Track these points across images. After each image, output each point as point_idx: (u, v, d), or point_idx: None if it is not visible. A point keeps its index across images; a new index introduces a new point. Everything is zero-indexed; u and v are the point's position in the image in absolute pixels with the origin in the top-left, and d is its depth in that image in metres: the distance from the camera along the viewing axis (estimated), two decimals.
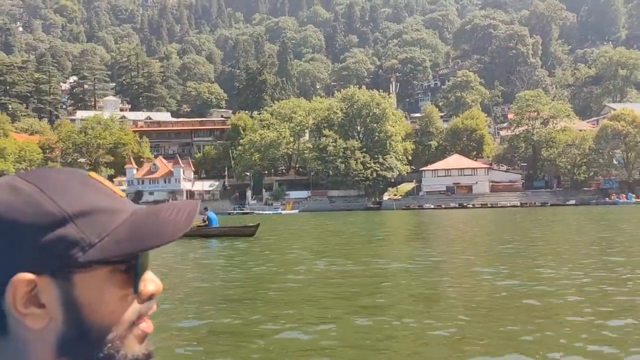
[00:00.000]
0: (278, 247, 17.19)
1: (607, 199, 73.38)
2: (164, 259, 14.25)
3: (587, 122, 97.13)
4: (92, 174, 0.75)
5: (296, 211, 75.25)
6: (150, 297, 0.74)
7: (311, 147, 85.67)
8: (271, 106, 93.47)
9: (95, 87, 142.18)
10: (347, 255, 13.83)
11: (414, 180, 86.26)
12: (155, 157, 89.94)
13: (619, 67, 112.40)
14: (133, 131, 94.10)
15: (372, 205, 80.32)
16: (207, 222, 21.80)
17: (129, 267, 0.70)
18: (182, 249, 16.52)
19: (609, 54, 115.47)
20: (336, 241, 20.03)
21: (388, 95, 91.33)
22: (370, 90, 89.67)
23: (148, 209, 0.72)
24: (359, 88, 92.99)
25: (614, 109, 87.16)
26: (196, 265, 12.60)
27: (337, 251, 15.52)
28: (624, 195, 72.37)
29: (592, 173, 79.43)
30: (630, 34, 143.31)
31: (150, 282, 0.73)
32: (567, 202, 74.26)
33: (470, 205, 75.07)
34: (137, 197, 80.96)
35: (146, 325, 0.73)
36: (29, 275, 0.65)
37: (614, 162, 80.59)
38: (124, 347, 0.70)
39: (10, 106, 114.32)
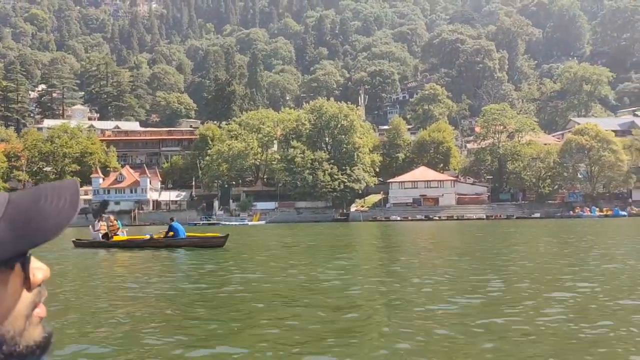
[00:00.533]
0: (248, 258, 16.81)
1: (571, 212, 74.79)
2: (129, 269, 13.92)
3: (553, 136, 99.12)
4: None
5: (263, 222, 74.93)
6: (39, 285, 0.73)
7: (279, 158, 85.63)
8: (239, 117, 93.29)
9: (64, 96, 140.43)
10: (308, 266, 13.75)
11: (382, 192, 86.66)
12: (122, 166, 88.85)
13: (583, 82, 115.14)
14: (100, 140, 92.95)
15: (339, 217, 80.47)
16: (171, 233, 21.02)
17: (17, 265, 0.68)
18: (149, 260, 15.99)
19: (574, 70, 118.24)
20: (299, 252, 19.91)
21: (356, 107, 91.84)
22: (339, 102, 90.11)
23: (25, 198, 0.69)
24: (328, 100, 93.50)
25: (579, 124, 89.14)
26: (162, 278, 11.93)
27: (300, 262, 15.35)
28: (588, 209, 73.81)
29: (556, 186, 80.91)
30: (595, 50, 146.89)
31: (37, 270, 0.72)
32: (532, 215, 75.42)
33: (437, 218, 75.70)
34: (102, 206, 79.77)
35: (40, 311, 0.73)
36: None
37: (579, 175, 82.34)
38: (24, 338, 0.70)
39: None
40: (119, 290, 10.18)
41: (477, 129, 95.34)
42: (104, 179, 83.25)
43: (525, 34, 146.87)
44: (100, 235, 23.25)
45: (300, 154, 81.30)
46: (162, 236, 21.24)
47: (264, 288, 9.77)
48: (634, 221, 53.44)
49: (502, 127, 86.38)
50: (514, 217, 74.79)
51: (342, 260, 15.17)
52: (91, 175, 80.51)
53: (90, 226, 25.60)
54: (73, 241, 23.38)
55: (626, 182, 78.69)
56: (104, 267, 15.43)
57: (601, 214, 71.37)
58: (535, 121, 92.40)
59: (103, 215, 26.32)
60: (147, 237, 21.36)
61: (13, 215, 0.66)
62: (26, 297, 0.70)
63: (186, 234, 21.63)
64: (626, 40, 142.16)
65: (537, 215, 75.20)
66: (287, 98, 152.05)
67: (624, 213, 71.20)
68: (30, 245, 0.66)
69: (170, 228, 21.19)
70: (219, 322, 6.82)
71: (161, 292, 9.65)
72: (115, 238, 22.26)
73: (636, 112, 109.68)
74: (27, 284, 0.69)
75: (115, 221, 23.89)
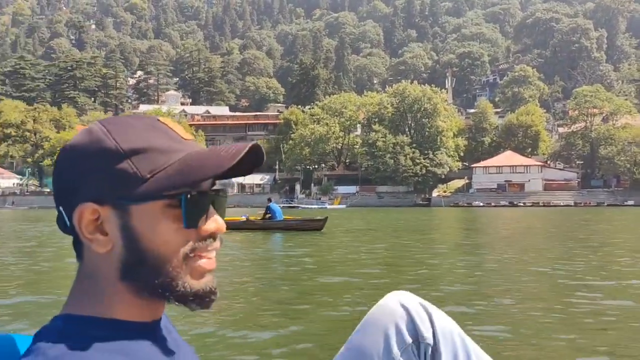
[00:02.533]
0: (351, 244, 15.16)
1: None
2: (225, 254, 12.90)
3: None
4: (162, 118, 0.79)
5: (343, 206, 75.49)
6: (211, 235, 0.77)
7: (361, 142, 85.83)
8: (322, 101, 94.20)
9: (159, 82, 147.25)
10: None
11: (465, 177, 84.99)
12: None
13: None
14: (189, 124, 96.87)
15: (420, 202, 79.72)
16: (269, 214, 20.24)
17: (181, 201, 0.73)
18: (243, 244, 14.96)
19: None
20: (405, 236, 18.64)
21: (441, 90, 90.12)
22: (423, 86, 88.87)
23: (206, 149, 0.76)
24: (416, 83, 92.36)
25: None
26: (258, 263, 10.80)
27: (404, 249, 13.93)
28: None
29: None
30: None
31: (211, 221, 0.77)
32: (626, 203, 71.40)
33: (521, 204, 73.32)
34: None
35: (206, 262, 0.77)
36: (92, 205, 0.73)
37: None
38: (180, 277, 0.75)
39: (78, 100, 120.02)
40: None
41: (570, 112, 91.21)
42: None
43: (627, 11, 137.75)
44: None
45: (382, 137, 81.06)
46: (259, 218, 20.60)
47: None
48: None
49: (595, 109, 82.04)
50: (605, 204, 71.10)
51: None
52: None
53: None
54: None
55: None
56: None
57: None
58: (635, 103, 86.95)
59: None
60: (244, 218, 20.50)
61: (185, 159, 0.73)
62: (185, 235, 0.75)
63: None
64: None
65: (631, 202, 71.04)
66: (375, 82, 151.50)
67: None
68: (189, 181, 0.72)
69: (268, 209, 20.45)
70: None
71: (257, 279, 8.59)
72: None
73: None
74: (186, 225, 0.74)
75: None
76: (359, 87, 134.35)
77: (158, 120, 0.78)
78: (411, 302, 1.20)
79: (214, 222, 0.77)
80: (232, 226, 19.41)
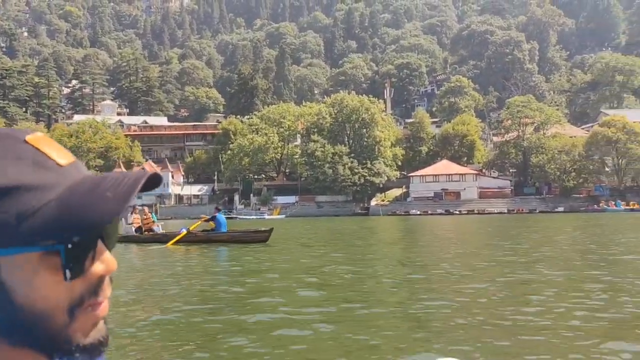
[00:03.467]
0: (297, 258, 14.05)
1: (595, 206, 72.71)
2: (160, 267, 12.38)
3: (583, 129, 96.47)
4: (31, 137, 0.63)
5: (283, 216, 74.96)
6: (101, 279, 0.64)
7: (300, 152, 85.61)
8: (261, 111, 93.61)
9: (94, 92, 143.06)
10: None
11: (403, 186, 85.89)
12: (147, 161, 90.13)
13: (615, 73, 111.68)
14: (125, 135, 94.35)
15: (359, 211, 80.00)
16: (212, 223, 19.22)
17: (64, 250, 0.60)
18: (183, 259, 14.39)
19: (606, 60, 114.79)
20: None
21: (379, 100, 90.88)
22: (360, 96, 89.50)
23: (89, 183, 0.62)
24: (354, 93, 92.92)
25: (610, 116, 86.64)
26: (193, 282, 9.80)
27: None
28: (613, 203, 71.65)
29: (582, 180, 78.79)
30: (630, 40, 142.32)
31: (99, 262, 0.64)
32: (556, 209, 73.63)
33: (457, 212, 74.50)
34: None
35: (99, 309, 0.65)
36: None
37: (606, 169, 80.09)
38: (65, 333, 0.62)
39: (8, 110, 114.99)
40: (144, 292, 8.59)
41: (503, 122, 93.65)
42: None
43: (557, 25, 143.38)
44: (134, 229, 21.34)
45: (320, 147, 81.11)
46: (203, 221, 19.77)
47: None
48: None
49: (527, 119, 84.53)
50: (537, 211, 73.09)
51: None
52: (114, 170, 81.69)
53: (123, 219, 22.79)
54: None
55: None
56: (134, 264, 13.64)
57: (627, 207, 69.14)
58: (566, 113, 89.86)
59: (137, 207, 24.00)
60: (184, 232, 19.39)
61: (65, 200, 0.60)
62: (67, 287, 0.62)
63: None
64: None
65: (561, 209, 73.37)
66: (315, 92, 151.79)
67: None
68: (69, 232, 0.59)
69: (214, 218, 19.39)
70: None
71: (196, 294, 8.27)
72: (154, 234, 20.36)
73: None
74: (71, 274, 0.61)
75: (149, 214, 22.34)
76: (299, 97, 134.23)
77: (24, 140, 0.62)
78: None
79: (102, 263, 0.64)
80: (172, 239, 18.99)
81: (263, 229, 19.30)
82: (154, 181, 0.66)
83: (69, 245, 0.60)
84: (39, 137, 0.63)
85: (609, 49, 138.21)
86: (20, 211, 0.58)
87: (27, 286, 0.60)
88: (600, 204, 72.07)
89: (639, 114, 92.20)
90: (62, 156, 0.63)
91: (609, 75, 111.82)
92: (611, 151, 76.67)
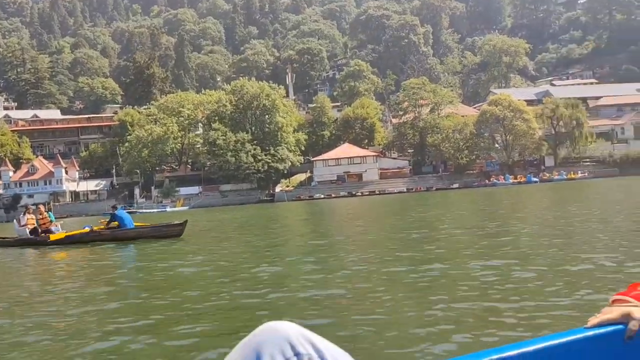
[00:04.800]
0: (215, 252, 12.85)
1: (487, 180, 76.75)
2: (63, 272, 11.20)
3: (474, 108, 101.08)
4: None
5: (186, 208, 73.72)
6: None
7: (201, 141, 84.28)
8: (158, 100, 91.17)
9: None
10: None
11: (308, 171, 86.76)
12: (37, 157, 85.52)
13: (502, 54, 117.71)
14: (12, 130, 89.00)
15: (265, 198, 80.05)
16: (115, 222, 17.65)
17: None
18: (85, 260, 13.10)
19: (493, 42, 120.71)
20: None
21: (279, 86, 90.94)
22: (261, 82, 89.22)
23: None
24: (254, 80, 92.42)
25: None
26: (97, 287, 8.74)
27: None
28: (502, 177, 75.87)
29: (474, 157, 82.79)
30: (515, 23, 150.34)
31: None
32: (452, 186, 76.98)
33: (359, 194, 76.27)
34: (14, 201, 76.76)
35: None
36: None
37: (496, 145, 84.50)
38: None
39: None
40: (42, 303, 7.54)
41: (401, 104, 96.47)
42: (14, 172, 79.94)
43: (449, 8, 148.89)
44: (28, 230, 19.27)
45: (222, 136, 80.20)
46: (103, 227, 18.03)
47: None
48: (541, 187, 55.32)
49: (422, 100, 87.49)
50: (434, 188, 76.16)
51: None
52: (0, 168, 77.00)
53: (15, 220, 20.96)
54: None
55: (539, 150, 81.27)
56: (30, 271, 12.36)
57: (515, 181, 73.52)
58: (459, 93, 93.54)
59: (30, 206, 21.96)
60: (87, 229, 17.73)
61: None
62: None
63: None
64: (543, 12, 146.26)
65: (456, 185, 76.84)
66: (218, 79, 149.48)
67: (536, 179, 73.58)
68: None
69: (113, 217, 17.84)
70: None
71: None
72: (55, 236, 18.30)
73: (553, 82, 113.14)
74: None
75: (45, 213, 20.21)
76: (202, 85, 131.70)
77: None
78: (291, 330, 1.10)
79: None
80: (75, 239, 17.27)
81: (176, 222, 18.00)
82: None
83: None
84: None
85: (497, 31, 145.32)
86: None
87: None
88: (491, 179, 76.19)
89: (523, 92, 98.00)
90: None
91: (496, 56, 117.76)
92: (499, 128, 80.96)
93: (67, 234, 18.66)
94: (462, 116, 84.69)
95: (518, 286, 6.02)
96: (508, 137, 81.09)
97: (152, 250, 14.06)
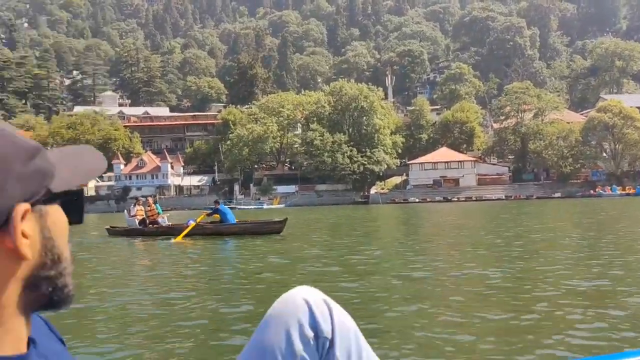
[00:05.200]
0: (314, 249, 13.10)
1: (592, 191, 72.90)
2: (166, 262, 11.78)
3: (582, 114, 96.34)
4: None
5: (282, 205, 75.40)
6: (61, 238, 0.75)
7: (299, 141, 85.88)
8: (260, 100, 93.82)
9: (95, 83, 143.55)
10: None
11: (403, 174, 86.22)
12: (146, 152, 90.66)
13: (615, 58, 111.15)
14: (124, 126, 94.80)
15: (359, 200, 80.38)
16: (217, 215, 18.26)
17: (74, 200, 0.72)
18: (190, 253, 13.62)
19: (605, 45, 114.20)
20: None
21: (377, 88, 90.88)
22: (360, 84, 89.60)
23: (57, 153, 0.77)
24: (352, 81, 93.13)
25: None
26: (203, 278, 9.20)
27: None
28: (609, 188, 71.79)
29: (579, 165, 78.92)
30: (631, 25, 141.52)
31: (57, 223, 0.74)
32: (553, 195, 73.82)
33: (455, 199, 74.83)
34: (124, 192, 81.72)
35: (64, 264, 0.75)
36: (26, 205, 0.68)
37: (603, 154, 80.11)
38: (67, 279, 0.72)
39: (7, 102, 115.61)
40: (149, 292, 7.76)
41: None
42: (125, 165, 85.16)
43: (559, 10, 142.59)
44: (137, 221, 20.32)
45: (319, 136, 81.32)
46: (206, 215, 18.65)
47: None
48: None
49: (525, 105, 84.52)
50: (534, 197, 73.29)
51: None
52: (112, 162, 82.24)
53: (126, 211, 22.42)
54: (107, 228, 21.00)
55: None
56: (136, 260, 13.04)
57: (623, 192, 69.27)
58: (566, 99, 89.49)
59: (140, 198, 22.75)
60: (192, 224, 18.16)
61: (69, 156, 0.74)
62: (40, 238, 0.70)
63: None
64: None
65: (558, 194, 73.54)
66: (318, 80, 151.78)
67: None
68: (83, 180, 0.73)
69: (216, 211, 18.41)
70: None
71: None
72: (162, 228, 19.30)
73: None
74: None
75: (153, 205, 21.11)
76: (302, 86, 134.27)
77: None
78: (314, 297, 1.22)
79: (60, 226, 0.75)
80: (179, 233, 17.66)
81: (277, 219, 18.39)
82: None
83: (75, 198, 0.73)
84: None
85: (610, 34, 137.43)
86: (52, 163, 0.73)
87: (60, 232, 0.73)
88: (597, 189, 72.27)
89: (637, 99, 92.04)
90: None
91: (608, 60, 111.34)
92: (608, 136, 76.63)
93: (172, 225, 19.66)
94: (568, 123, 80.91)
95: None
96: (617, 146, 76.58)
97: (256, 245, 14.42)
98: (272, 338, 1.19)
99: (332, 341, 1.20)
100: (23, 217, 0.68)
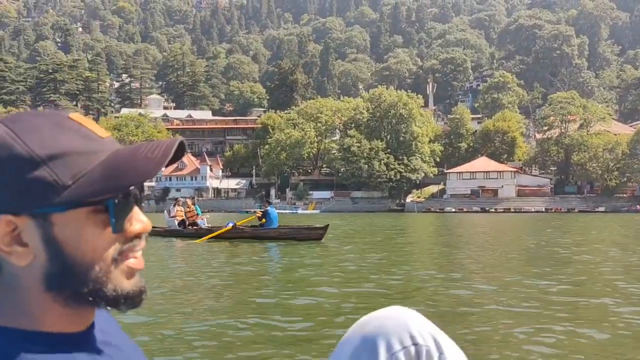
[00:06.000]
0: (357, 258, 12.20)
1: (638, 206, 70.34)
2: (205, 264, 11.17)
3: (632, 126, 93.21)
4: (73, 115, 0.74)
5: (317, 211, 75.35)
6: (137, 236, 0.75)
7: (336, 147, 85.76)
8: (299, 105, 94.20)
9: (142, 86, 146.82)
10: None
11: (441, 183, 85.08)
12: (187, 154, 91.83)
13: None
14: (167, 129, 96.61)
15: (395, 207, 79.66)
16: (263, 219, 17.60)
17: (108, 207, 0.71)
18: (230, 256, 13.19)
19: None
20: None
21: (417, 96, 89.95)
22: (399, 91, 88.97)
23: (129, 149, 0.73)
24: (392, 88, 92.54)
25: None
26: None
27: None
28: None
29: (625, 179, 76.27)
30: None
31: (136, 221, 0.74)
32: (596, 209, 71.50)
33: (493, 210, 73.30)
34: (164, 193, 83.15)
35: (135, 262, 0.75)
36: (7, 217, 0.68)
37: None
38: (110, 281, 0.72)
39: (59, 103, 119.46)
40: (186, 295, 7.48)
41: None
42: (166, 167, 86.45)
43: (610, 18, 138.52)
44: (177, 222, 20.11)
45: (356, 143, 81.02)
46: (256, 217, 18.04)
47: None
48: None
49: (570, 116, 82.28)
50: (576, 210, 71.16)
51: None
52: None
53: (166, 211, 22.16)
54: None
55: None
56: (175, 261, 12.78)
57: None
58: (615, 110, 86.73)
59: (179, 199, 22.74)
60: (230, 226, 17.57)
61: (109, 162, 0.70)
62: (112, 239, 0.72)
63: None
64: None
65: (602, 209, 71.18)
66: (360, 87, 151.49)
67: None
68: (117, 187, 0.69)
69: (266, 213, 17.67)
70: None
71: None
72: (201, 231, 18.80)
73: None
74: (115, 230, 0.71)
75: (193, 206, 20.99)
76: (343, 92, 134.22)
77: (68, 117, 0.73)
78: (414, 319, 1.01)
79: (140, 222, 0.75)
80: (218, 234, 17.32)
81: (317, 225, 17.61)
82: (181, 150, 0.75)
83: (116, 201, 0.70)
84: (79, 115, 0.74)
85: None
86: (72, 174, 0.68)
87: (78, 239, 0.70)
88: None
89: None
90: (102, 131, 0.74)
91: None
92: None
93: (211, 227, 19.03)
94: (615, 135, 78.35)
95: None
96: None
97: (293, 252, 13.69)
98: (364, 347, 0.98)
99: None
100: (14, 227, 0.69)
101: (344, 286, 8.08)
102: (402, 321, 0.99)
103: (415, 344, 0.96)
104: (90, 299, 0.72)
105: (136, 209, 0.75)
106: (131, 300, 0.75)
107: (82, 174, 0.69)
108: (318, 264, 11.14)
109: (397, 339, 0.97)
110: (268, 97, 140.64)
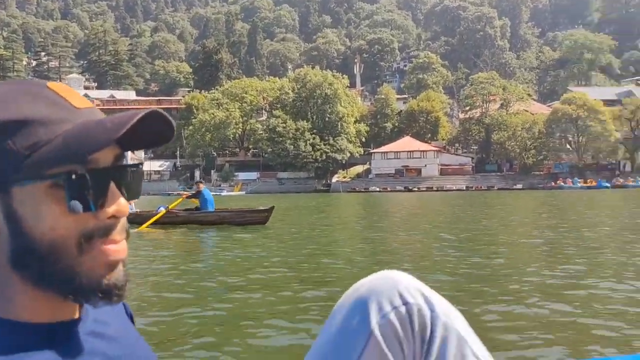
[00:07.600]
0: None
1: (553, 183, 72.87)
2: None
3: (549, 106, 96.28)
4: (52, 84, 0.67)
5: (243, 193, 74.21)
6: (113, 217, 0.65)
7: (262, 127, 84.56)
8: (224, 85, 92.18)
9: (61, 65, 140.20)
10: None
11: (367, 163, 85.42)
12: None
13: (584, 50, 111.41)
14: None
15: (321, 188, 79.46)
16: (195, 200, 16.19)
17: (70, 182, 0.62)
18: (163, 242, 11.89)
19: (574, 37, 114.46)
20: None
21: (343, 76, 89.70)
22: (325, 71, 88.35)
23: (97, 119, 0.65)
24: (324, 69, 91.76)
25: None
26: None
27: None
28: (570, 180, 71.76)
29: (541, 157, 78.84)
30: (603, 18, 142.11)
31: (110, 202, 0.65)
32: (515, 187, 73.61)
33: (416, 189, 74.21)
34: None
35: (112, 250, 0.66)
36: None
37: (567, 146, 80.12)
38: (80, 268, 0.64)
39: None
40: None
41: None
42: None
43: (530, 1, 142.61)
44: None
45: (282, 123, 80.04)
46: (185, 198, 16.48)
47: None
48: (612, 193, 51.53)
49: (491, 96, 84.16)
50: (495, 188, 73.04)
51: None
52: None
53: None
54: None
55: (614, 154, 76.28)
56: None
57: (584, 185, 69.26)
58: (535, 90, 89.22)
59: None
60: (162, 210, 15.76)
61: (70, 132, 0.62)
62: (76, 220, 0.63)
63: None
64: (635, 7, 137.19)
65: (519, 186, 73.35)
66: (289, 67, 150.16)
67: (607, 184, 68.90)
68: (69, 159, 0.60)
69: (198, 194, 16.13)
70: None
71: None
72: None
73: (639, 81, 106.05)
74: (72, 206, 0.62)
75: None
76: (272, 72, 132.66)
77: (46, 86, 0.66)
78: (406, 282, 1.00)
79: (114, 204, 0.65)
80: (146, 220, 15.22)
81: (261, 208, 16.20)
82: (166, 125, 0.69)
83: (72, 176, 0.61)
84: (60, 85, 0.67)
85: (582, 26, 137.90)
86: (30, 143, 0.61)
87: (36, 216, 0.62)
88: (558, 181, 72.25)
89: (603, 92, 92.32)
90: (80, 102, 0.67)
91: (577, 53, 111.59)
92: (571, 128, 76.55)
93: (139, 211, 16.86)
94: (534, 114, 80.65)
95: None
96: (581, 138, 76.57)
97: (235, 238, 12.17)
98: (339, 338, 0.96)
99: (429, 342, 0.95)
100: None
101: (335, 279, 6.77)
102: (391, 282, 0.98)
103: (405, 303, 0.95)
104: (57, 285, 0.65)
105: (113, 189, 0.66)
106: (106, 296, 0.66)
107: (41, 145, 0.61)
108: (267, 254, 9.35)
109: (388, 300, 0.95)
110: (194, 77, 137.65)
